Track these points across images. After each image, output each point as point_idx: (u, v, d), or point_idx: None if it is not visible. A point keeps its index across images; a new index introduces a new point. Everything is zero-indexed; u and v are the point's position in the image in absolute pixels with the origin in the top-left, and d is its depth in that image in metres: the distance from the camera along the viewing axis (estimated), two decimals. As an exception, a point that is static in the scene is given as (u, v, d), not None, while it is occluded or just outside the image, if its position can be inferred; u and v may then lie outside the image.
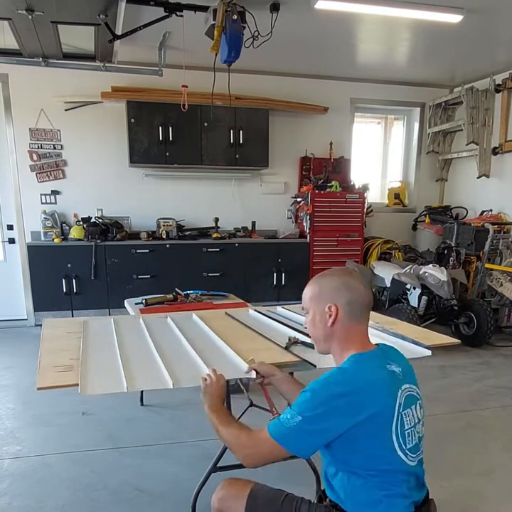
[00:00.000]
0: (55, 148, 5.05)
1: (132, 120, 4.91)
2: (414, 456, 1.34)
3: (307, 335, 2.08)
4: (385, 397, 1.25)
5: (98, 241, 4.86)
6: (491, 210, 5.42)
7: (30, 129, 4.94)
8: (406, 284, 4.49)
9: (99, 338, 2.19)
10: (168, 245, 5.07)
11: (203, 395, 1.52)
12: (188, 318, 2.56)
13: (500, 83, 5.19)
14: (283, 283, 5.42)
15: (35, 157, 5.00)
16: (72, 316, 4.63)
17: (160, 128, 4.93)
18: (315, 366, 1.81)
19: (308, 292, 1.40)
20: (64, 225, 5.08)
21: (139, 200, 5.33)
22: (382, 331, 2.19)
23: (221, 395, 1.54)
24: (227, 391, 2.06)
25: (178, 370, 1.74)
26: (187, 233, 5.31)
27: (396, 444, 1.27)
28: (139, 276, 4.97)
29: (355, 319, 1.34)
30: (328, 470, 1.38)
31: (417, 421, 1.39)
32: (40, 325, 2.62)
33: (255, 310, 2.74)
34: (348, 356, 1.31)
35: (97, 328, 2.34)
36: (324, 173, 5.53)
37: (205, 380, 1.57)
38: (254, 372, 1.71)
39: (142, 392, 3.13)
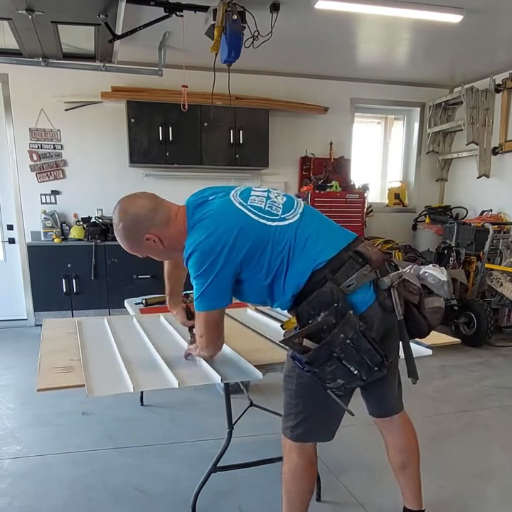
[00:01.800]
0: (55, 148, 5.05)
1: (132, 120, 4.91)
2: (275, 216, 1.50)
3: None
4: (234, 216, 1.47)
5: (98, 241, 4.87)
6: (491, 210, 5.41)
7: (30, 129, 4.94)
8: (406, 284, 4.48)
9: (96, 338, 2.20)
10: (168, 245, 5.06)
11: (195, 354, 1.83)
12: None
13: (500, 83, 5.19)
14: (283, 283, 5.41)
15: (35, 157, 5.00)
16: (72, 316, 4.63)
17: (160, 128, 4.93)
18: None
19: (124, 246, 1.61)
20: (64, 225, 5.08)
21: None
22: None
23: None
24: (227, 391, 2.06)
25: (180, 369, 1.75)
26: (187, 233, 5.30)
27: (256, 217, 1.47)
28: (139, 276, 4.97)
29: (165, 222, 1.54)
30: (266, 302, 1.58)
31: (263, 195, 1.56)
32: (40, 325, 2.62)
33: (256, 309, 2.73)
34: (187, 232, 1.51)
35: (93, 329, 2.36)
36: (324, 173, 5.52)
37: (190, 349, 1.87)
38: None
39: (142, 392, 3.13)
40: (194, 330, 1.87)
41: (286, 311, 1.59)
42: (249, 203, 1.50)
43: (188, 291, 3.47)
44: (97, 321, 2.56)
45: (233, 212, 1.48)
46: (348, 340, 1.32)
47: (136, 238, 1.56)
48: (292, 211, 1.52)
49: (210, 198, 1.55)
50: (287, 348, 1.47)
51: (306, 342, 1.36)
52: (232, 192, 1.55)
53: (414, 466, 1.78)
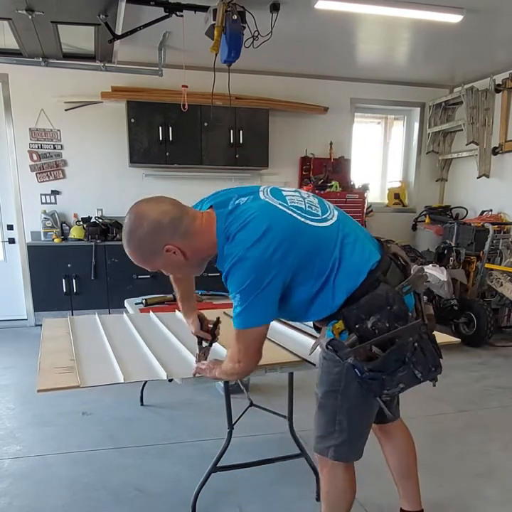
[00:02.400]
0: (55, 148, 5.05)
1: (132, 120, 4.91)
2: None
3: (310, 334, 2.08)
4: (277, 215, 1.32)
5: (98, 241, 4.87)
6: (491, 210, 5.41)
7: (30, 129, 4.94)
8: (406, 284, 4.49)
9: (88, 334, 2.25)
10: (168, 245, 5.07)
11: (209, 375, 1.62)
12: (174, 316, 2.64)
13: (500, 83, 5.19)
14: (283, 283, 5.41)
15: (35, 157, 5.00)
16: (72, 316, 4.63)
17: (160, 128, 4.93)
18: (315, 365, 1.80)
19: (134, 259, 1.38)
20: (64, 225, 5.08)
21: (139, 200, 5.32)
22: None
23: (215, 363, 1.62)
24: (227, 391, 2.06)
25: (171, 364, 1.78)
26: (187, 233, 5.30)
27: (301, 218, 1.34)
28: (139, 276, 4.96)
29: (190, 232, 1.33)
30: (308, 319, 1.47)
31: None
32: (40, 325, 2.62)
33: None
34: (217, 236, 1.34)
35: (85, 326, 2.41)
36: (324, 173, 5.52)
37: (201, 369, 1.66)
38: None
39: (142, 392, 3.14)
40: (204, 343, 1.77)
41: (313, 321, 1.50)
42: (290, 204, 1.36)
43: (198, 291, 3.49)
44: (89, 317, 2.63)
45: (278, 214, 1.32)
46: (416, 344, 1.30)
47: (154, 249, 1.33)
48: (330, 211, 1.43)
49: (240, 202, 1.37)
50: (341, 358, 1.36)
51: (374, 349, 1.31)
52: (261, 193, 1.39)
53: (414, 469, 1.78)
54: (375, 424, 1.67)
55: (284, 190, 1.43)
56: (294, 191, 1.45)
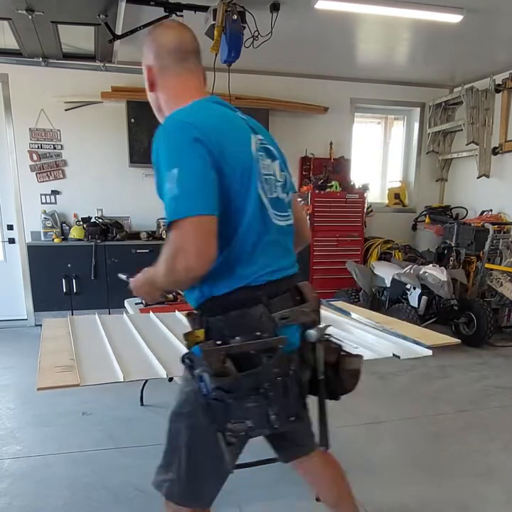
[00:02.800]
0: (55, 148, 5.05)
1: (132, 120, 4.91)
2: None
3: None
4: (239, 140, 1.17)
5: (98, 241, 4.86)
6: (491, 210, 5.41)
7: (30, 129, 4.94)
8: (406, 284, 4.49)
9: (88, 334, 2.26)
10: (168, 245, 5.06)
11: (140, 291, 1.33)
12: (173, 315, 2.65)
13: (500, 83, 5.19)
14: (283, 283, 5.41)
15: (35, 157, 5.00)
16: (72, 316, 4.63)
17: (160, 128, 4.92)
18: None
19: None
20: (64, 225, 5.08)
21: (139, 200, 5.33)
22: (382, 330, 2.19)
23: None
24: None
25: (171, 363, 1.77)
26: (187, 233, 5.30)
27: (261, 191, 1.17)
28: (139, 277, 4.97)
29: (173, 69, 1.22)
30: None
31: (277, 177, 1.27)
32: (40, 325, 2.62)
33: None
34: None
35: (85, 326, 2.41)
36: (324, 173, 5.52)
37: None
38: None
39: (142, 392, 3.14)
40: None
41: (191, 303, 1.26)
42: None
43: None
44: (89, 317, 2.64)
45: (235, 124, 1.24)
46: (279, 378, 1.12)
47: (147, 51, 1.29)
48: (283, 192, 1.29)
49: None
50: (193, 375, 1.16)
51: (228, 364, 1.10)
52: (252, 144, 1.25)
53: (346, 494, 1.59)
54: (290, 461, 1.53)
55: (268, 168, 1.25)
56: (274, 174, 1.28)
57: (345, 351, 1.31)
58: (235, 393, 1.10)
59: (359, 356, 1.32)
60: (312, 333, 1.21)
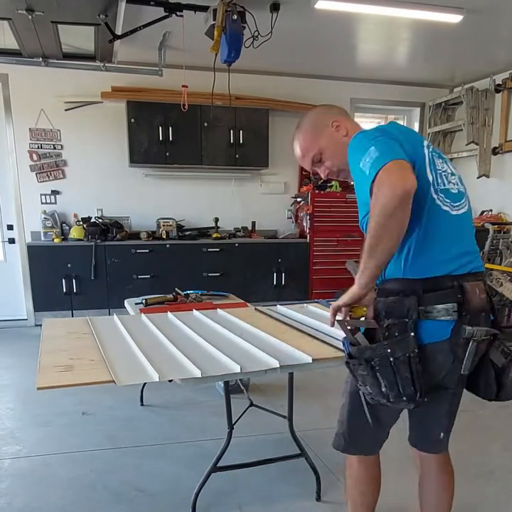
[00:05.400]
0: (55, 148, 5.05)
1: (132, 120, 4.91)
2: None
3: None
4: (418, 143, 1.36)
5: (98, 241, 4.86)
6: (491, 210, 5.41)
7: (30, 129, 4.94)
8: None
9: (110, 334, 2.20)
10: (168, 245, 5.07)
11: (349, 299, 1.36)
12: (190, 315, 2.57)
13: (500, 83, 5.19)
14: (283, 283, 5.42)
15: (35, 157, 5.00)
16: (72, 316, 4.63)
17: (160, 128, 4.93)
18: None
19: (303, 140, 1.67)
20: (64, 225, 5.08)
21: (139, 200, 5.33)
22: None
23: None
24: (227, 391, 2.06)
25: (199, 361, 1.73)
26: (187, 233, 5.31)
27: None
28: (139, 276, 4.97)
29: (349, 120, 1.56)
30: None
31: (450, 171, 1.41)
32: (40, 325, 2.62)
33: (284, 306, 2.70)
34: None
35: (105, 326, 2.35)
36: (324, 173, 5.52)
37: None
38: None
39: (142, 392, 3.14)
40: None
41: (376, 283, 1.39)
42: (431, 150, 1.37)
43: (189, 291, 3.49)
44: (107, 319, 2.56)
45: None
46: (391, 358, 1.24)
47: (323, 123, 1.57)
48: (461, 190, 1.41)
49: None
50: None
51: (358, 335, 1.30)
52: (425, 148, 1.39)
53: (448, 508, 1.68)
54: (411, 444, 1.64)
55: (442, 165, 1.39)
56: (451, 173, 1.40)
57: None
58: (353, 360, 1.31)
59: None
60: (466, 329, 1.28)
